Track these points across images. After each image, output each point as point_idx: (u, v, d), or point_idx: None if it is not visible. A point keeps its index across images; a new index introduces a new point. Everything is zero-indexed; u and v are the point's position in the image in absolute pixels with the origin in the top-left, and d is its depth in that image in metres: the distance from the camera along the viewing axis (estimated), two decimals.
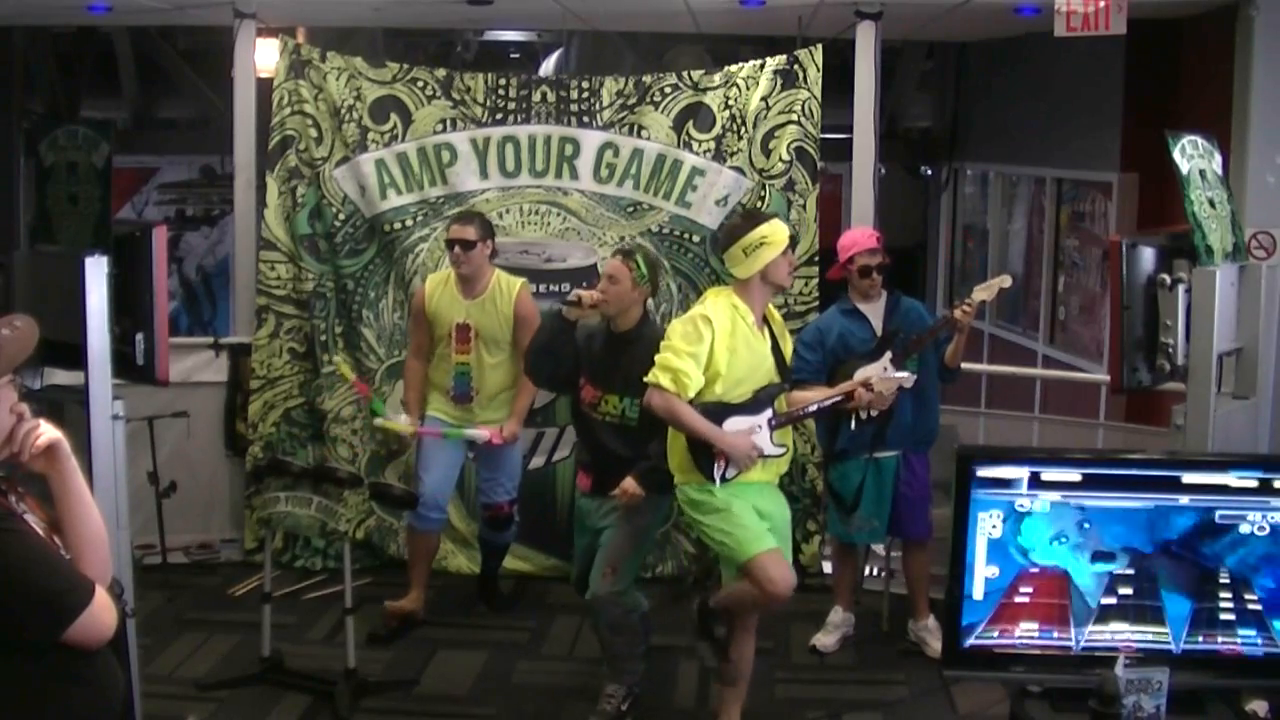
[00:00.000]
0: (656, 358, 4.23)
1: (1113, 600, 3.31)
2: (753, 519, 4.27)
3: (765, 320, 4.38)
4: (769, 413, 4.31)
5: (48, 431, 2.53)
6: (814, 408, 4.68)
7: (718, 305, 4.26)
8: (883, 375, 4.75)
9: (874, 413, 5.04)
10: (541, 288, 6.08)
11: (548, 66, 10.26)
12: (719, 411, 4.22)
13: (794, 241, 4.56)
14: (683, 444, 4.29)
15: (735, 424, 4.23)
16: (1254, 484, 3.29)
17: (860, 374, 4.86)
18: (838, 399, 4.65)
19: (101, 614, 2.47)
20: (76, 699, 2.51)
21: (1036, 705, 3.37)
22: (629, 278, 4.62)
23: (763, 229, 4.26)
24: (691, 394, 4.19)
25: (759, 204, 6.18)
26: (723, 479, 4.23)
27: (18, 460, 2.50)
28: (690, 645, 4.75)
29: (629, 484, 4.57)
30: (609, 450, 4.68)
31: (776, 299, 4.96)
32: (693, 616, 4.47)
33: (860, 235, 5.36)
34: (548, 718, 4.82)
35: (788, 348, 4.51)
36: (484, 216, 5.68)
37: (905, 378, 4.77)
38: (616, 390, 4.65)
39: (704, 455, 4.23)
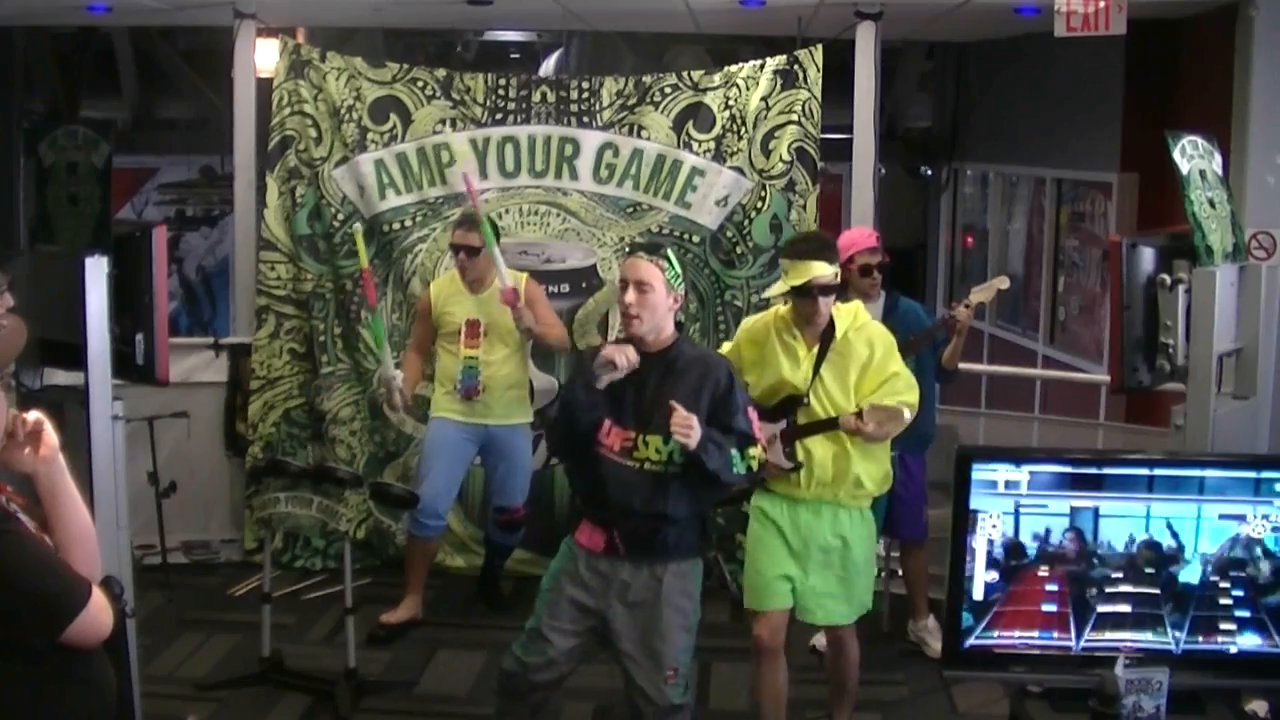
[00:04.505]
0: None
1: (1113, 600, 3.31)
2: (771, 567, 4.19)
3: (830, 336, 4.16)
4: (784, 424, 4.21)
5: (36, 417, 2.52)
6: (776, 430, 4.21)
7: (763, 315, 4.36)
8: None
9: None
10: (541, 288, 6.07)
11: (548, 66, 10.26)
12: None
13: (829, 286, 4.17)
14: None
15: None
16: (1254, 484, 3.29)
17: None
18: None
19: (99, 614, 2.47)
20: (73, 699, 2.51)
21: (1036, 705, 3.36)
22: (662, 281, 3.65)
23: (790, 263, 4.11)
24: None
25: (759, 204, 6.18)
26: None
27: (12, 456, 2.49)
28: None
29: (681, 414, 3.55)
30: (637, 507, 3.71)
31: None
32: None
33: (859, 235, 5.35)
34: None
35: (847, 371, 4.15)
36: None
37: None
38: (660, 429, 3.64)
39: None
